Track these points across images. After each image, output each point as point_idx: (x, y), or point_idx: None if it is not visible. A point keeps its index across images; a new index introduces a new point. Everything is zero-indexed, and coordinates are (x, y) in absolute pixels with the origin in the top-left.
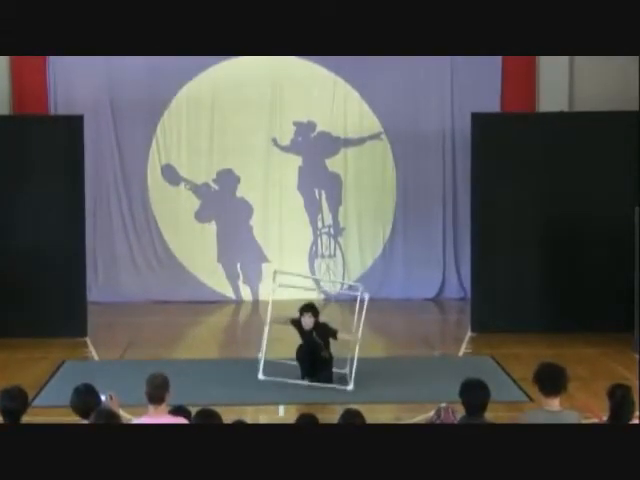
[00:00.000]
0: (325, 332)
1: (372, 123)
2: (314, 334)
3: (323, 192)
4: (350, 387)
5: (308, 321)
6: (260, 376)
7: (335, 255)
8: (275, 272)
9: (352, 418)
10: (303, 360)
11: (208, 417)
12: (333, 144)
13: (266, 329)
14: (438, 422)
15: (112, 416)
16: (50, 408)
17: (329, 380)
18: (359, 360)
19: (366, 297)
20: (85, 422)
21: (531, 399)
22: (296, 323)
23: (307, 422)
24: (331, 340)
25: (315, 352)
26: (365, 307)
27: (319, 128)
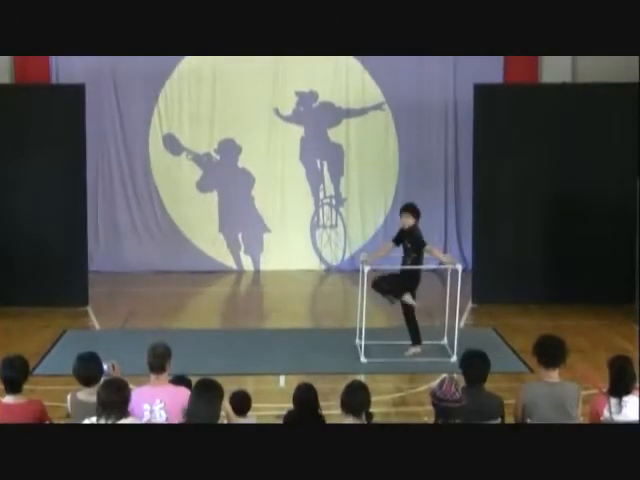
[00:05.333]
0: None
1: (374, 93)
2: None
3: (325, 163)
4: (454, 358)
5: (405, 221)
6: (362, 359)
7: (337, 226)
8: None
9: (356, 390)
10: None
11: (208, 387)
12: (335, 114)
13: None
14: (439, 393)
15: (121, 387)
16: (51, 377)
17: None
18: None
19: (459, 268)
20: (87, 390)
21: (531, 370)
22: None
23: (303, 393)
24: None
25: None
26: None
27: (321, 98)
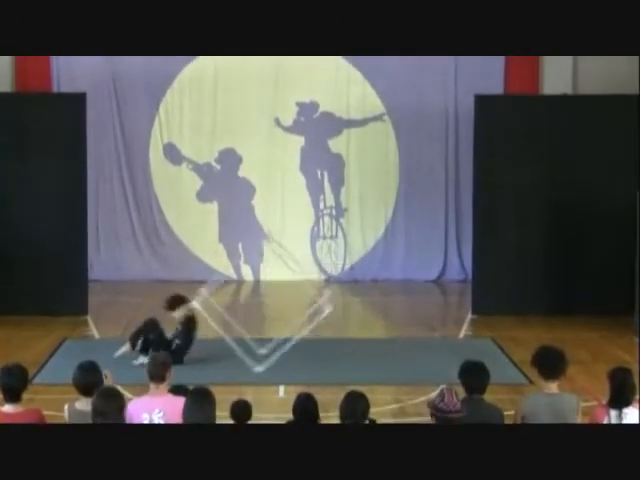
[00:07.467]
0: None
1: (375, 104)
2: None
3: (325, 173)
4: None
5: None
6: None
7: (337, 236)
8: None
9: (355, 400)
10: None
11: (202, 394)
12: (336, 125)
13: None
14: (441, 405)
15: (115, 395)
16: (50, 386)
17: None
18: (359, 341)
19: None
20: (85, 400)
21: (531, 382)
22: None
23: (303, 402)
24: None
25: None
26: None
27: (322, 109)
